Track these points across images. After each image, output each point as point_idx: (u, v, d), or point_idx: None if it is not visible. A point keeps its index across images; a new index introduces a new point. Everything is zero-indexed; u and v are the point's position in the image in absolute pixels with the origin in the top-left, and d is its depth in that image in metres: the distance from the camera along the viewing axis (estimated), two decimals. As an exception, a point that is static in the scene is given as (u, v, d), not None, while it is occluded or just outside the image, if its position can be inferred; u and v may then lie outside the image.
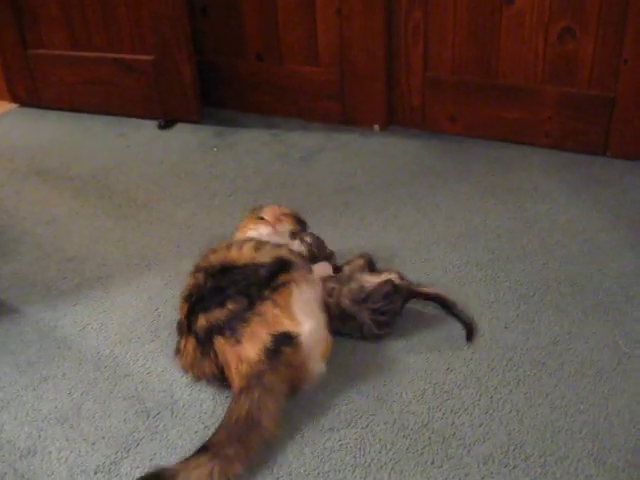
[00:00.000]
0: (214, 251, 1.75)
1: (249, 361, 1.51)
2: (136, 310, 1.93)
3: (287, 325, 1.55)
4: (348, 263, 1.89)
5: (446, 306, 1.82)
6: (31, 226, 2.38)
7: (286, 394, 1.53)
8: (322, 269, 1.83)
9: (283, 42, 2.88)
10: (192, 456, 1.40)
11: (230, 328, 1.54)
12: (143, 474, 1.41)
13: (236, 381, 1.51)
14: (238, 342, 1.53)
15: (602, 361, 1.66)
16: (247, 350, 1.52)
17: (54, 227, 2.37)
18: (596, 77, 2.46)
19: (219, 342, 1.54)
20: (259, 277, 1.61)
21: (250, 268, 1.64)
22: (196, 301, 1.62)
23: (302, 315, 1.58)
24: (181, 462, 1.40)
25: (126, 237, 2.28)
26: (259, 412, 1.46)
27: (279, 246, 1.76)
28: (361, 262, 1.86)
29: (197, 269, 1.70)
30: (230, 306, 1.56)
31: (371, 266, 1.88)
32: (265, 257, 1.67)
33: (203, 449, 1.41)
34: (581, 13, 2.38)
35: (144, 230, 2.32)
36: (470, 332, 1.76)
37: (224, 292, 1.59)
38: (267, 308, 1.56)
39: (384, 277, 1.77)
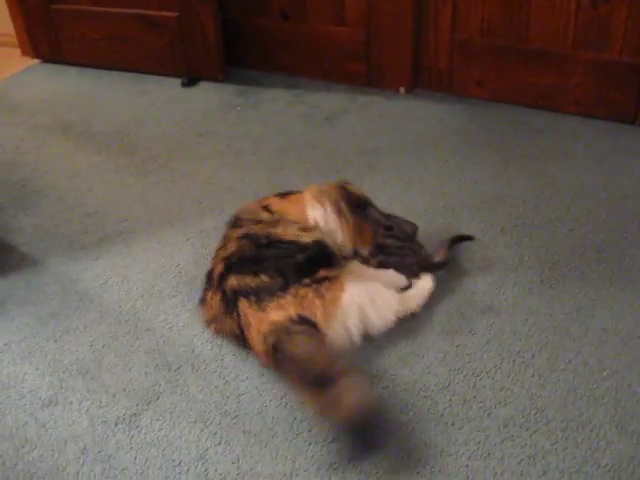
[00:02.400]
0: (257, 218, 1.73)
1: (271, 321, 1.51)
2: (157, 265, 1.93)
3: (320, 319, 1.54)
4: None
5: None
6: (53, 180, 2.38)
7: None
8: (394, 278, 1.75)
9: (309, 0, 2.84)
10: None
11: (256, 296, 1.54)
12: None
13: (256, 340, 1.52)
14: (262, 310, 1.53)
15: (626, 329, 1.64)
16: (271, 316, 1.52)
17: (76, 181, 2.37)
18: (629, 43, 2.41)
19: (243, 304, 1.55)
20: (297, 260, 1.60)
21: (292, 247, 1.63)
22: (235, 263, 1.62)
23: (342, 321, 1.56)
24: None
25: (148, 193, 2.28)
26: (314, 345, 1.50)
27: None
28: None
29: (242, 235, 1.68)
30: (263, 278, 1.56)
31: None
32: (308, 237, 1.66)
33: (329, 382, 1.38)
34: (616, -24, 2.33)
35: (166, 186, 2.31)
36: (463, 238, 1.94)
37: (262, 263, 1.59)
38: (307, 293, 1.55)
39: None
